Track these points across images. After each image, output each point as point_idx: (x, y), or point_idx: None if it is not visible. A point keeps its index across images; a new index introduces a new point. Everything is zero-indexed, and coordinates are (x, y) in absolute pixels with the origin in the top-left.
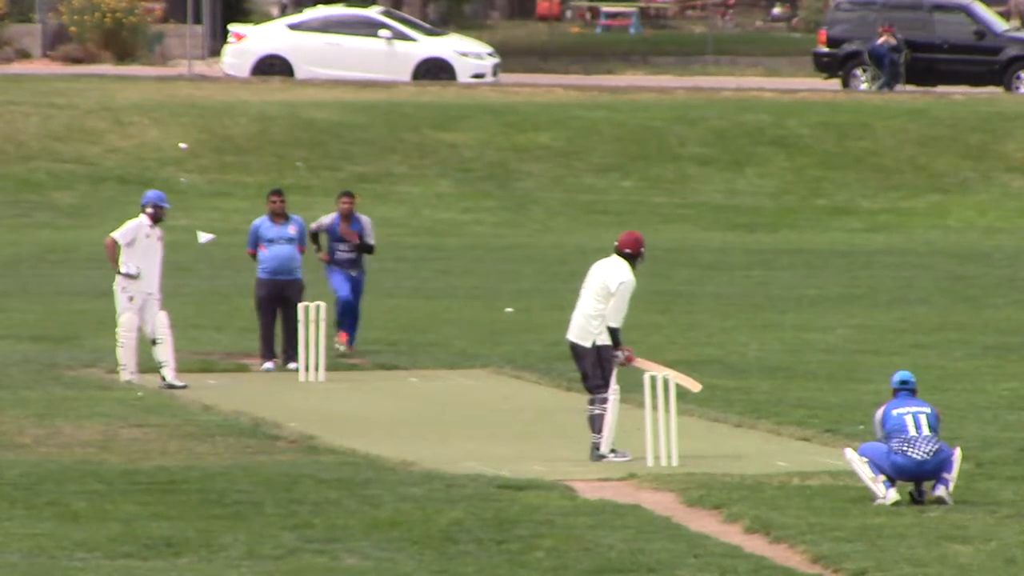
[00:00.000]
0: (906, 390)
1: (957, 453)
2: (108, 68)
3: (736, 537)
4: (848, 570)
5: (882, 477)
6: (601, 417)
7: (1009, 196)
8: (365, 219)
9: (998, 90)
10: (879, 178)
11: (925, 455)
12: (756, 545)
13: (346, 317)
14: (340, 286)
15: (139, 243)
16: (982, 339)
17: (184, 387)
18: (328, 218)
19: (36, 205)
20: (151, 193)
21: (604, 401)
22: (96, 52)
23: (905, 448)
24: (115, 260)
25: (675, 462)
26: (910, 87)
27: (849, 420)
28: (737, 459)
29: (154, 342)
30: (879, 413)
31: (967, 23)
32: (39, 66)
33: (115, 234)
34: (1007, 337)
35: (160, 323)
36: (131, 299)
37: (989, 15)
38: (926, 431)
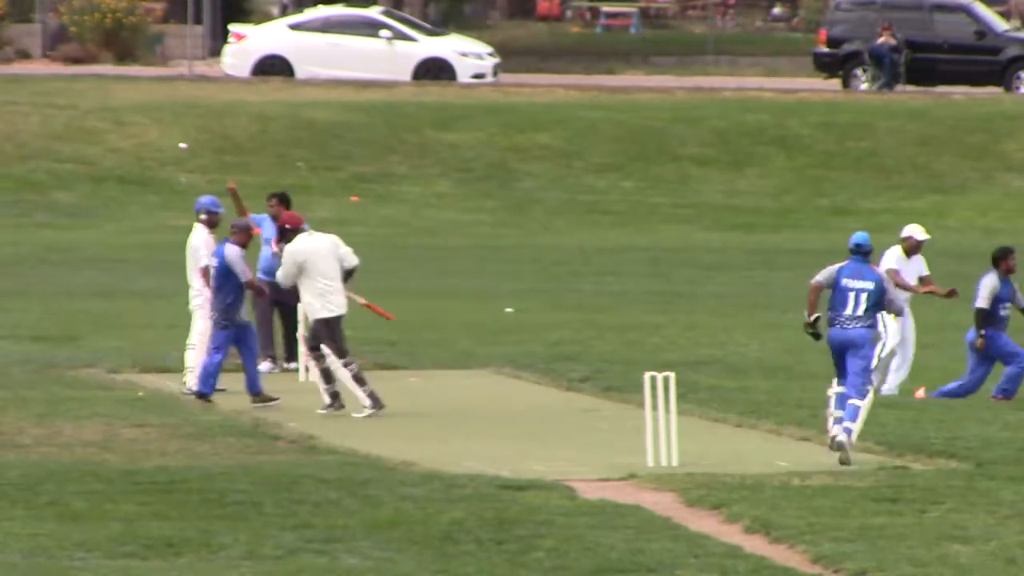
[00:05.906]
0: (860, 254)
1: (866, 402)
2: (108, 68)
3: (736, 537)
4: (848, 570)
5: (836, 412)
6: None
7: (1009, 196)
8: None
9: (998, 90)
10: (879, 178)
11: (851, 326)
12: (756, 545)
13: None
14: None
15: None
16: None
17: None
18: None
19: (36, 205)
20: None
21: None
22: (96, 52)
23: (834, 322)
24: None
25: (675, 462)
26: (910, 87)
27: None
28: (737, 459)
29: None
30: (832, 270)
31: (967, 23)
32: (39, 66)
33: (206, 261)
34: None
35: (196, 330)
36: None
37: (989, 15)
38: (860, 311)
